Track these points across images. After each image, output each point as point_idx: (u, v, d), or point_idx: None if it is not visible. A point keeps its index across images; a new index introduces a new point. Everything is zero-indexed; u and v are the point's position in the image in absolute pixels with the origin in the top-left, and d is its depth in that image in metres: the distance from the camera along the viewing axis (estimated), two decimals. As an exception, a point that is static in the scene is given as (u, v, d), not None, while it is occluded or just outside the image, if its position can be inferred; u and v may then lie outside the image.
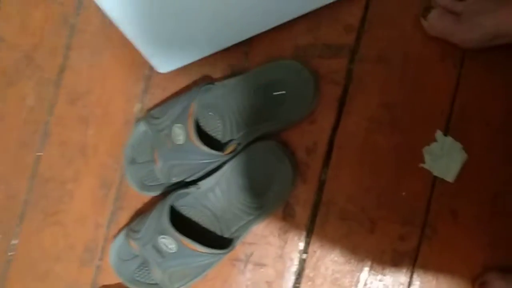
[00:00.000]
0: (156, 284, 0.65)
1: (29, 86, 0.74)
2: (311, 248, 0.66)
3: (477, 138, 0.64)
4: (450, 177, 0.63)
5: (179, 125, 0.63)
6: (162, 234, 0.62)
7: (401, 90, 0.66)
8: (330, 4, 0.66)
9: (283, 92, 0.65)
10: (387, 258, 0.64)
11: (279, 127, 0.66)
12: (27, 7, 0.75)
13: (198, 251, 0.61)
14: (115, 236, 0.69)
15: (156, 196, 0.68)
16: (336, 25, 0.68)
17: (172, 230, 0.61)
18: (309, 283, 0.65)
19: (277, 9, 0.64)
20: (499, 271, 0.60)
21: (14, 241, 0.73)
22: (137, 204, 0.70)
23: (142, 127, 0.68)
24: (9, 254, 0.73)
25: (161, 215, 0.63)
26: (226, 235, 0.65)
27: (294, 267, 0.66)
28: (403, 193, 0.64)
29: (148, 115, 0.68)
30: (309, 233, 0.66)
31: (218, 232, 0.65)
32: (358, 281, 0.65)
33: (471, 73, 0.65)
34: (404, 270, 0.64)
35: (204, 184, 0.65)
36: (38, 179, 0.73)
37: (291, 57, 0.67)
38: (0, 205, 0.74)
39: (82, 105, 0.73)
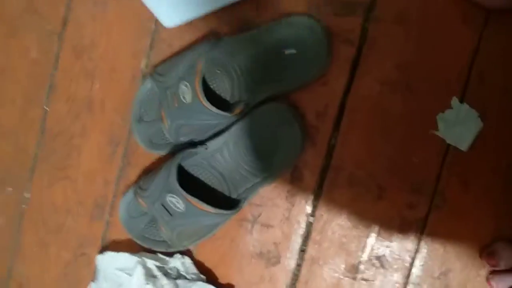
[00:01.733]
0: (164, 241, 0.67)
1: (31, 38, 0.72)
2: (318, 212, 0.66)
3: (494, 106, 0.61)
4: (463, 146, 0.61)
5: (185, 83, 0.61)
6: (170, 193, 0.62)
7: (418, 53, 0.63)
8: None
9: (294, 51, 0.63)
10: (395, 225, 0.64)
11: (289, 88, 0.64)
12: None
13: (205, 210, 0.62)
14: (124, 193, 0.70)
15: (164, 155, 0.68)
16: (352, -19, 0.63)
17: (179, 189, 0.61)
18: (316, 246, 0.66)
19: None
20: (508, 241, 0.60)
21: (26, 194, 0.74)
22: (145, 161, 0.70)
23: (149, 84, 0.67)
24: (22, 206, 0.74)
25: (169, 174, 0.63)
26: (233, 196, 0.65)
27: (301, 230, 0.66)
28: (414, 160, 0.63)
29: (155, 71, 0.66)
30: (317, 197, 0.66)
31: (226, 193, 0.65)
32: (364, 246, 0.65)
33: (493, 37, 0.61)
34: (412, 238, 0.64)
35: (212, 144, 0.64)
36: (46, 134, 0.73)
37: (304, 13, 0.64)
38: (10, 158, 0.74)
39: (88, 58, 0.71)
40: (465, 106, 0.61)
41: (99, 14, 0.70)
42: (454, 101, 0.62)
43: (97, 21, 0.70)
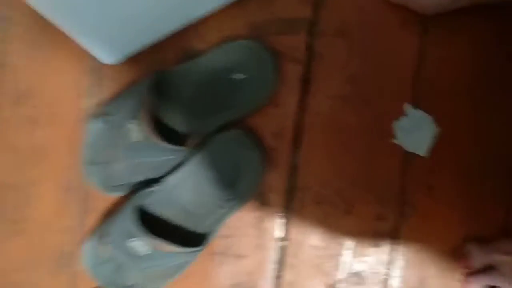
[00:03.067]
0: (133, 286, 0.63)
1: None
2: (289, 235, 0.64)
3: (447, 109, 0.62)
4: (422, 151, 0.62)
5: (134, 120, 0.59)
6: (132, 237, 0.60)
7: (365, 64, 0.63)
8: (284, -24, 0.61)
9: (242, 75, 0.62)
10: (367, 239, 0.63)
11: (242, 113, 0.63)
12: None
13: (171, 251, 0.59)
14: (85, 241, 0.66)
15: (123, 196, 0.65)
16: (292, -1, 0.63)
17: (141, 232, 0.59)
18: (291, 270, 0.64)
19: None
20: (478, 242, 0.61)
21: (-21, 255, 0.69)
22: (104, 204, 0.67)
23: (97, 124, 0.64)
24: (-23, 268, 0.70)
25: (129, 217, 0.60)
26: (199, 231, 0.63)
27: (274, 256, 0.65)
28: (377, 171, 0.63)
29: (102, 111, 0.64)
30: (286, 220, 0.65)
31: (192, 228, 0.63)
32: (340, 264, 0.64)
33: (435, 40, 0.63)
34: (386, 249, 0.63)
35: (170, 180, 0.62)
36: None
37: (247, 36, 0.63)
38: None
39: (29, 104, 0.67)
40: (419, 112, 0.62)
41: (36, 56, 0.67)
42: (408, 107, 0.62)
43: (34, 63, 0.67)
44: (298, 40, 0.63)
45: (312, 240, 0.64)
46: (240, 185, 0.62)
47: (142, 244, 0.60)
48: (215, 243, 0.65)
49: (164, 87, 0.61)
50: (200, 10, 0.62)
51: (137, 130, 0.59)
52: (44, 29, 0.66)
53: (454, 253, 0.62)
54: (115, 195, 0.65)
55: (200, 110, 0.62)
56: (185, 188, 0.62)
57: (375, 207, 0.63)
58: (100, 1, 0.53)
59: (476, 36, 0.62)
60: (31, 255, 0.68)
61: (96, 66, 0.66)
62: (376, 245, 0.63)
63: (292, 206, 0.64)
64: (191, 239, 0.62)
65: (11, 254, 0.69)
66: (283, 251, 0.65)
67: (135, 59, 0.65)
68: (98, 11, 0.54)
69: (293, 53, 0.63)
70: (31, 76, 0.67)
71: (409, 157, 0.63)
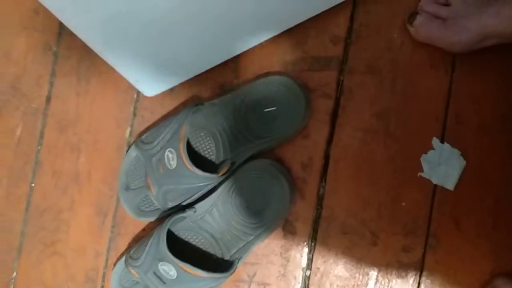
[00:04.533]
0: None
1: (16, 116, 0.73)
2: (314, 265, 0.65)
3: (474, 143, 0.63)
4: (450, 184, 0.62)
5: (170, 149, 0.62)
6: (162, 261, 0.61)
7: (394, 99, 0.65)
8: (315, 16, 0.64)
9: (274, 108, 0.64)
10: (392, 270, 0.63)
11: (272, 144, 0.65)
12: (8, 36, 0.74)
13: (198, 275, 0.60)
14: (115, 263, 0.68)
15: (153, 221, 0.67)
16: (323, 37, 0.66)
17: (170, 256, 0.60)
18: (315, 300, 0.64)
19: (263, 24, 0.63)
20: (507, 276, 0.60)
21: (14, 274, 0.72)
22: (135, 229, 0.69)
23: (134, 152, 0.67)
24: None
25: (159, 242, 0.62)
26: (226, 257, 0.64)
27: (298, 285, 0.65)
28: (403, 204, 0.63)
29: (139, 140, 0.67)
30: (311, 250, 0.65)
31: (219, 255, 0.64)
32: (368, 296, 0.64)
33: (463, 77, 0.64)
34: (411, 281, 0.63)
35: (200, 206, 0.64)
36: (33, 210, 0.72)
37: (280, 72, 0.66)
38: (-4, 239, 0.73)
39: (72, 133, 0.72)
40: (446, 146, 0.63)
41: (82, 89, 0.72)
42: (435, 141, 0.63)
43: (80, 96, 0.72)
44: (328, 77, 0.66)
45: (336, 270, 0.64)
46: (267, 213, 0.64)
47: (170, 268, 0.61)
48: (241, 270, 0.66)
49: (200, 118, 0.64)
50: (237, 48, 0.66)
51: (172, 158, 0.62)
52: (91, 63, 0.72)
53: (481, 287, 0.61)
54: (146, 220, 0.68)
55: (233, 140, 0.64)
56: (214, 214, 0.64)
57: (401, 238, 0.63)
58: (146, 37, 0.57)
59: (504, 72, 0.63)
60: (62, 277, 0.70)
61: (135, 97, 0.70)
62: (401, 277, 0.62)
63: (318, 235, 0.65)
64: (217, 265, 0.63)
65: (43, 275, 0.71)
66: (307, 280, 0.65)
67: (173, 92, 0.69)
68: (144, 47, 0.59)
69: (323, 89, 0.66)
70: (76, 107, 0.72)
71: (436, 190, 0.63)
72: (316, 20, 0.65)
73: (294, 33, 0.66)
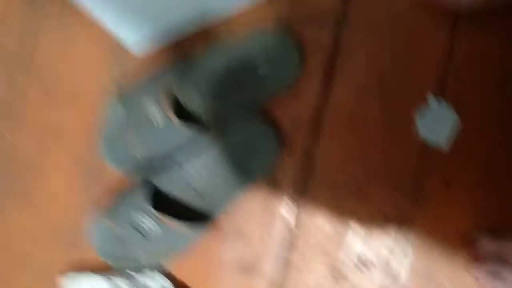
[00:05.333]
0: (138, 261, 0.64)
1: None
2: (297, 217, 0.64)
3: (471, 103, 0.62)
4: (443, 142, 0.62)
5: (157, 105, 0.61)
6: (142, 213, 0.61)
7: (392, 56, 0.63)
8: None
9: (266, 61, 0.62)
10: (377, 224, 0.63)
11: (262, 98, 0.63)
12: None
13: (180, 228, 0.60)
14: (95, 216, 0.66)
15: (136, 175, 0.65)
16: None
17: (152, 210, 0.60)
18: (296, 251, 0.64)
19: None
20: (489, 231, 0.60)
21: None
22: (115, 182, 0.67)
23: (119, 105, 0.65)
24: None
25: (140, 194, 0.61)
26: (208, 209, 0.63)
27: (280, 237, 0.64)
28: (394, 160, 0.63)
29: (124, 95, 0.65)
30: (296, 202, 0.64)
31: (201, 207, 0.63)
32: (346, 248, 0.64)
33: (464, 37, 0.63)
34: (394, 235, 0.63)
35: (184, 160, 0.62)
36: (7, 161, 0.69)
37: (274, 25, 0.64)
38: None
39: (52, 84, 0.69)
40: (443, 104, 0.62)
41: (63, 39, 0.69)
42: (431, 99, 0.62)
43: (62, 46, 0.69)
44: (325, 32, 0.64)
45: (319, 222, 0.64)
46: (252, 165, 0.63)
47: (151, 220, 0.61)
48: (222, 220, 0.65)
49: (188, 72, 0.63)
50: (230, 7, 0.63)
51: (157, 112, 0.61)
52: (73, 12, 0.68)
53: (463, 241, 0.61)
54: (128, 173, 0.65)
55: (222, 92, 0.63)
56: (199, 169, 0.63)
57: (388, 192, 0.63)
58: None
59: (506, 35, 0.62)
60: (38, 228, 0.69)
61: (123, 54, 0.67)
62: (385, 230, 0.63)
63: (304, 189, 0.64)
64: (198, 217, 0.63)
65: (18, 226, 0.69)
66: (289, 232, 0.65)
67: (163, 51, 0.66)
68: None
69: (319, 44, 0.64)
70: (57, 57, 0.69)
71: (428, 147, 0.63)
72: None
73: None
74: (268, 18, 0.65)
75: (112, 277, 0.64)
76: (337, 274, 0.64)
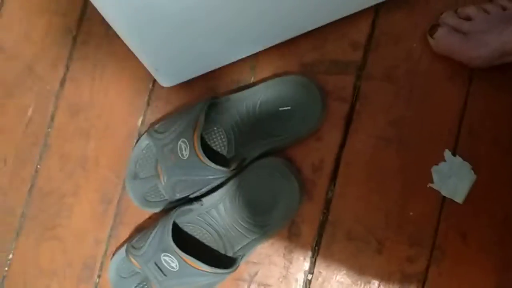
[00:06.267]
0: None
1: (29, 97, 0.73)
2: (316, 269, 0.64)
3: (486, 158, 0.63)
4: (459, 197, 0.62)
5: (183, 139, 0.62)
6: (165, 252, 0.61)
7: (409, 108, 0.65)
8: (336, 20, 0.65)
9: (289, 107, 0.64)
10: (395, 280, 0.63)
11: (284, 143, 0.65)
12: (30, 17, 0.74)
13: (200, 269, 0.60)
14: (114, 252, 0.67)
15: (157, 212, 0.67)
16: (342, 42, 0.67)
17: (174, 247, 0.60)
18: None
19: (284, 24, 0.63)
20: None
21: (10, 256, 0.71)
22: (138, 220, 0.69)
23: (145, 141, 0.67)
24: (5, 269, 0.71)
25: (163, 232, 0.61)
26: (229, 254, 0.64)
27: (299, 288, 0.65)
28: (411, 213, 0.63)
29: (152, 129, 0.67)
30: (315, 253, 0.65)
31: (222, 251, 0.64)
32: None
33: (479, 92, 0.65)
34: (413, 293, 0.63)
35: (207, 200, 0.64)
36: (36, 192, 0.71)
37: (298, 72, 0.66)
38: (-4, 219, 0.72)
39: (83, 118, 0.71)
40: (458, 159, 0.63)
41: (98, 75, 0.72)
42: (447, 153, 0.63)
43: (95, 81, 0.72)
44: (345, 81, 0.66)
45: (339, 276, 0.64)
46: (274, 213, 0.63)
47: (173, 259, 0.60)
48: (242, 268, 0.65)
49: (215, 112, 0.65)
50: (256, 46, 0.66)
51: (185, 149, 0.61)
52: (109, 50, 0.72)
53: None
54: (151, 211, 0.67)
55: (246, 136, 0.64)
56: (220, 210, 0.64)
57: (406, 248, 0.63)
58: (171, 27, 0.58)
59: None
60: (59, 262, 0.70)
61: (150, 87, 0.70)
62: (403, 287, 0.62)
63: (323, 239, 0.65)
64: (219, 261, 0.63)
65: (40, 259, 0.70)
66: (308, 284, 0.64)
67: (189, 85, 0.69)
68: (168, 36, 0.59)
69: (339, 93, 0.66)
70: (90, 92, 0.72)
71: (444, 202, 0.63)
72: (336, 25, 0.66)
73: (314, 36, 0.66)
74: (290, 60, 0.67)
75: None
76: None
